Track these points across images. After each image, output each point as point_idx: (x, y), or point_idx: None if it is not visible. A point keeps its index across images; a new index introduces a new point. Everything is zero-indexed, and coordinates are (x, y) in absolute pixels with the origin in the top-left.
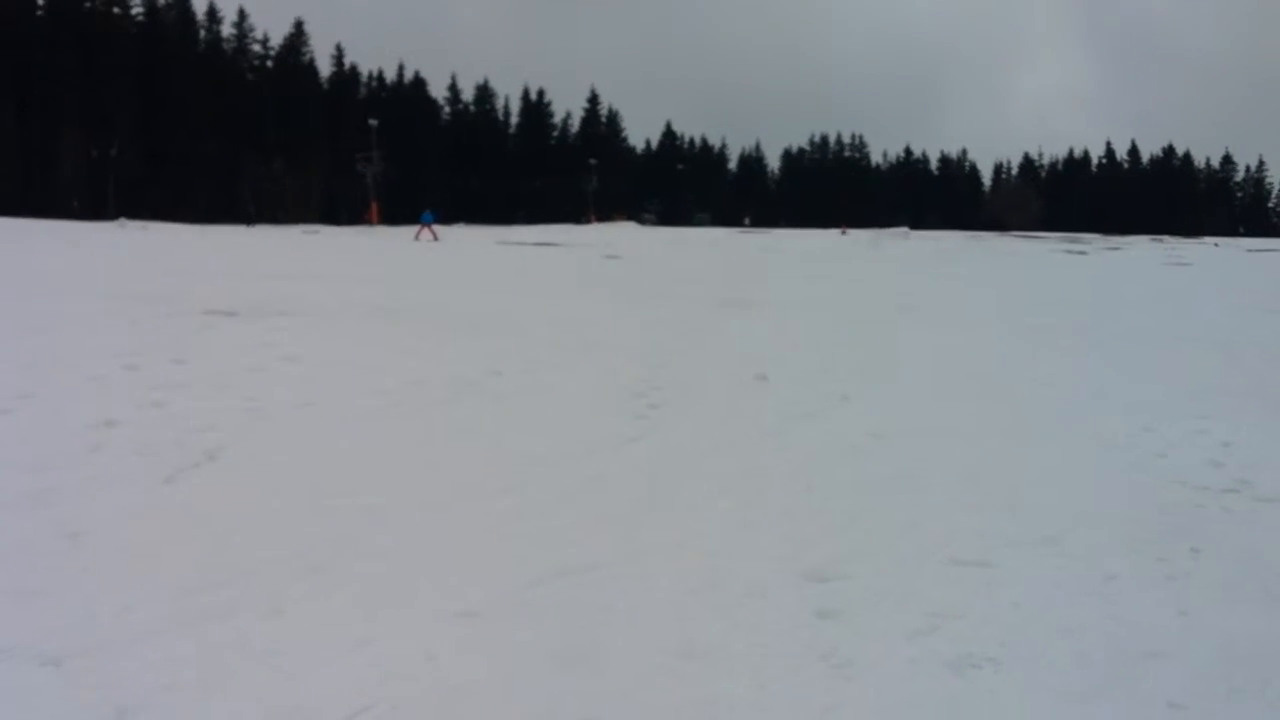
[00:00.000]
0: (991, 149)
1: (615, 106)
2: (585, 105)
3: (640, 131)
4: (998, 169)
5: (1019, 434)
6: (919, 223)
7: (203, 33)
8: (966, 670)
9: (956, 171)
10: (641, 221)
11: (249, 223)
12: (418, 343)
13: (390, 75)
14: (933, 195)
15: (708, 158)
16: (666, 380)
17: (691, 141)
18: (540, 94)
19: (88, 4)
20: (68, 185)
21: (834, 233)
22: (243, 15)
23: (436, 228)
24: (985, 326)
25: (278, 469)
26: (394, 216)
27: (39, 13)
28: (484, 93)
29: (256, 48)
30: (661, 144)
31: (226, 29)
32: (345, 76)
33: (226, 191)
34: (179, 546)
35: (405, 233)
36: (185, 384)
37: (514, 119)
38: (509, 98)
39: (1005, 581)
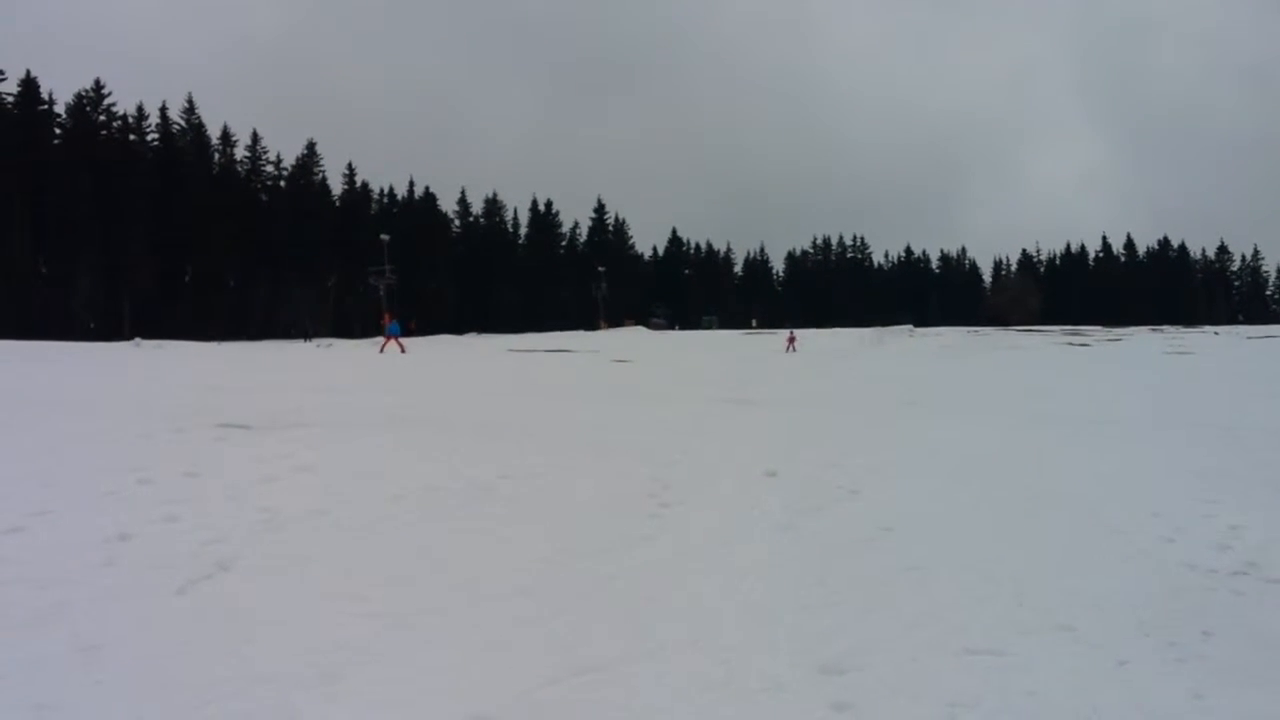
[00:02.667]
0: (990, 246)
1: (621, 215)
2: (592, 214)
3: (647, 238)
4: (997, 265)
5: (1028, 523)
6: (921, 320)
7: (216, 155)
8: None
9: (957, 269)
10: (651, 326)
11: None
12: (430, 450)
13: (401, 191)
14: (934, 292)
15: (713, 262)
16: (677, 479)
17: (697, 247)
18: (548, 204)
19: (104, 132)
20: (84, 307)
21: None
22: (256, 137)
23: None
24: (991, 418)
25: (290, 578)
26: (408, 330)
27: (56, 141)
28: (493, 205)
29: (270, 168)
30: (668, 250)
31: (240, 151)
32: (357, 194)
33: (240, 309)
34: (192, 657)
35: (420, 344)
36: (198, 497)
37: (523, 229)
38: (517, 209)
39: (1019, 669)
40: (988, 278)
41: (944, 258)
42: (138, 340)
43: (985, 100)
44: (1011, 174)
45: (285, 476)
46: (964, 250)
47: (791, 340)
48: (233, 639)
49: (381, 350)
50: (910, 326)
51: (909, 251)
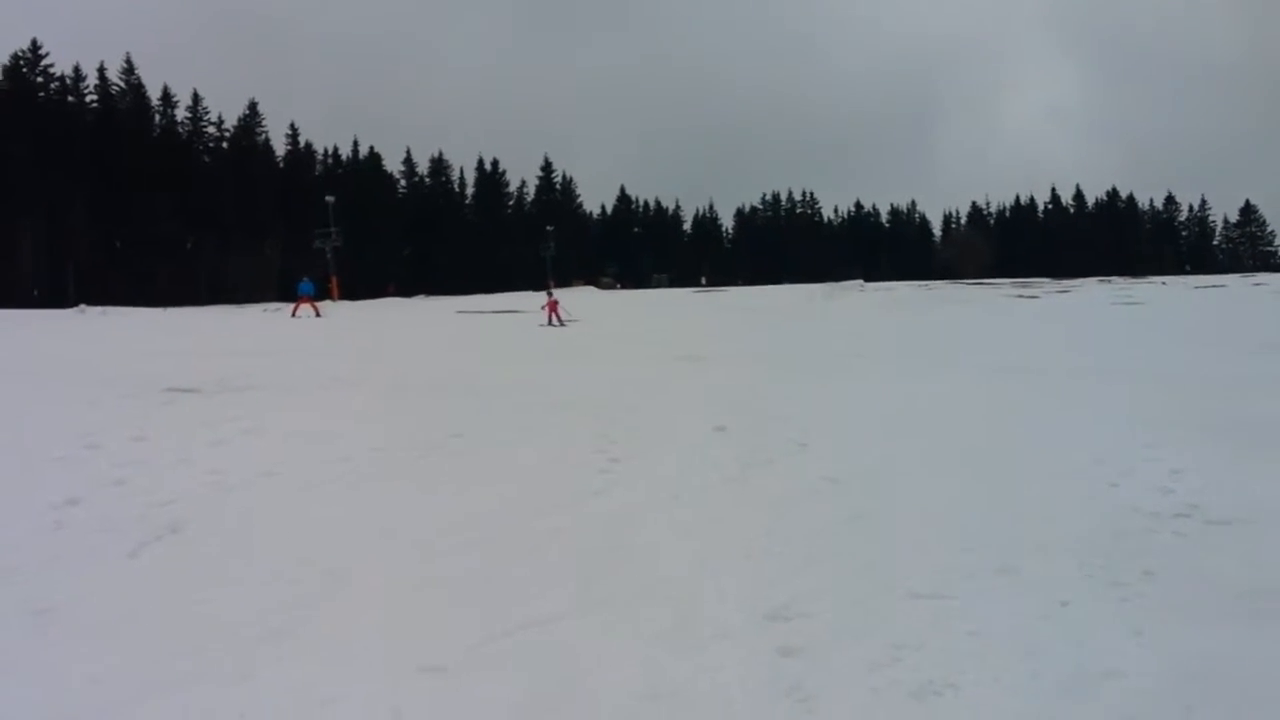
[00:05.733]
0: (940, 200)
1: (569, 173)
2: (539, 173)
3: (595, 197)
4: (947, 219)
5: (973, 472)
6: (872, 274)
7: (158, 117)
8: (928, 697)
9: (907, 223)
10: (601, 286)
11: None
12: (378, 410)
13: (346, 151)
14: (884, 247)
15: (663, 220)
16: (627, 435)
17: (646, 204)
18: (495, 163)
19: (41, 94)
20: (27, 275)
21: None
22: (197, 98)
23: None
24: (938, 371)
25: (241, 538)
26: (355, 292)
27: None
28: (439, 165)
29: (211, 129)
30: (617, 208)
31: (181, 113)
32: (300, 155)
33: (185, 274)
34: (145, 618)
35: (365, 307)
36: (147, 460)
37: (470, 189)
38: (464, 169)
39: (963, 613)
40: (938, 232)
41: (894, 212)
42: (82, 307)
43: (949, 36)
44: (971, 117)
45: (234, 439)
46: (914, 204)
47: (553, 309)
48: (185, 599)
49: (293, 313)
50: (861, 282)
51: (859, 206)
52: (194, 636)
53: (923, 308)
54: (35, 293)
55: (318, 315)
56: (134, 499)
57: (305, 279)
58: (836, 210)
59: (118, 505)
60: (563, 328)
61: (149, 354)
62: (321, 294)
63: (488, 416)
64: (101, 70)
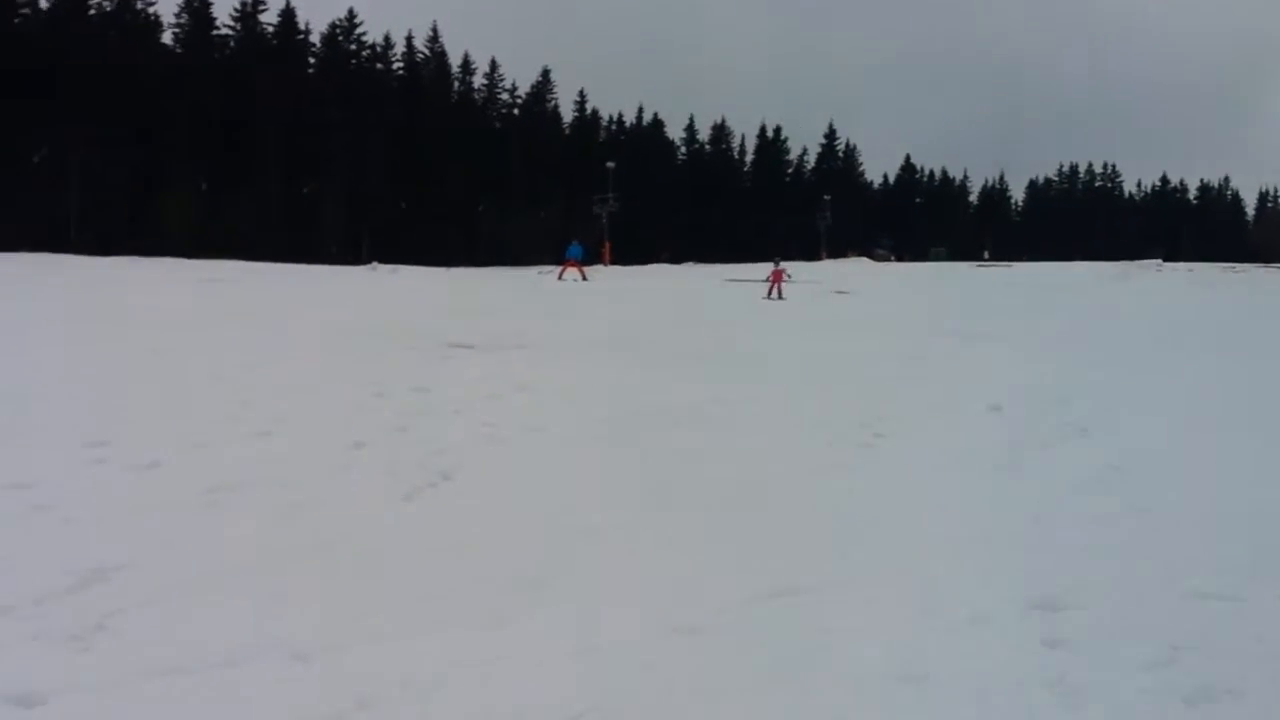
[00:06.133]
0: (1256, 175)
1: (853, 141)
2: (822, 141)
3: (877, 165)
4: (1263, 196)
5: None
6: (1173, 254)
7: (456, 84)
8: (1202, 703)
9: (1217, 200)
10: (874, 257)
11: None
12: (642, 373)
13: (630, 118)
14: (1189, 225)
15: (948, 191)
16: (893, 411)
17: (930, 174)
18: (777, 131)
19: (353, 61)
20: (328, 232)
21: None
22: (494, 65)
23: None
24: (1230, 357)
25: (507, 489)
26: (627, 257)
27: (310, 70)
28: (720, 132)
29: (505, 96)
30: (899, 177)
31: (478, 80)
32: (586, 121)
33: (468, 235)
34: (415, 558)
35: (634, 273)
36: (427, 410)
37: (749, 157)
38: (745, 136)
39: (1250, 615)
40: (1251, 211)
41: (1203, 187)
42: (374, 264)
43: None
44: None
45: (506, 394)
46: (1227, 180)
47: (777, 279)
48: (452, 543)
49: (559, 276)
50: (1159, 261)
51: (1164, 180)
52: (458, 579)
53: (1230, 290)
54: (333, 249)
55: (584, 279)
56: (413, 446)
57: (575, 242)
58: (1139, 184)
59: (399, 451)
60: (782, 300)
61: (432, 310)
62: (592, 258)
63: (750, 385)
64: (409, 39)
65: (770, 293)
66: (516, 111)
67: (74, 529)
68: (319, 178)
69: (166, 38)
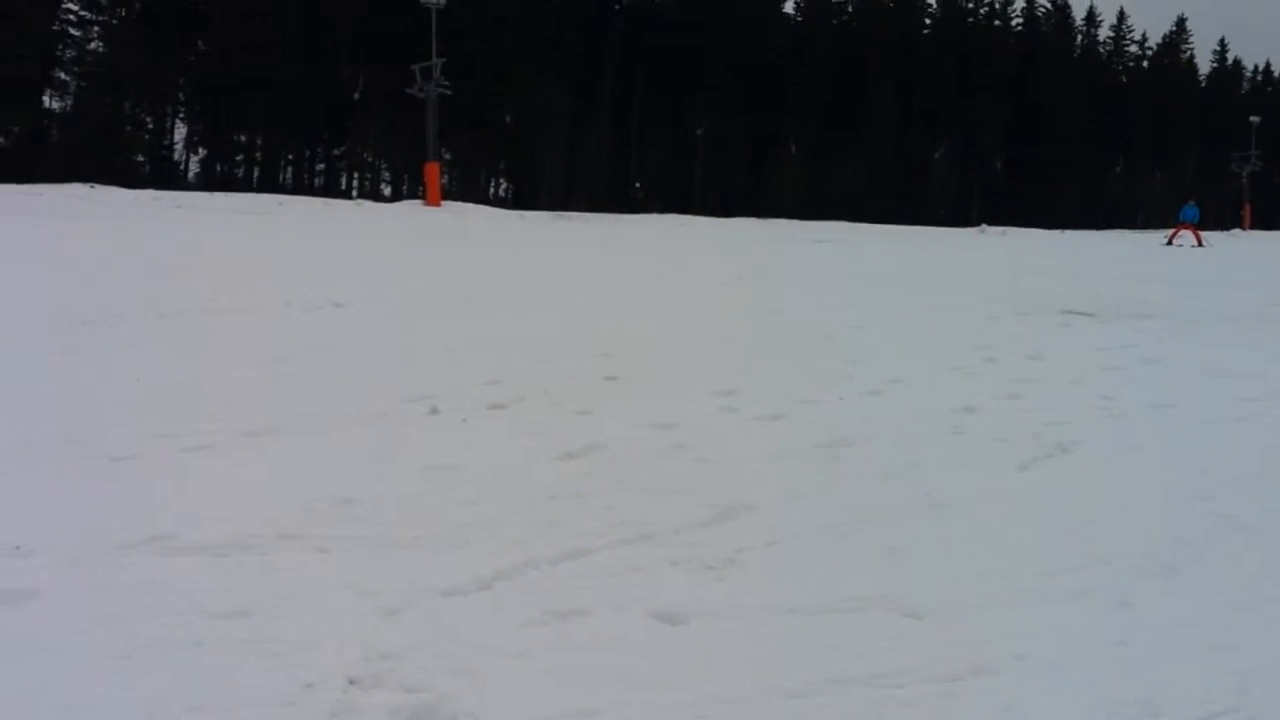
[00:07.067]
0: None
1: None
2: None
3: None
4: None
5: None
6: None
7: (1079, 37)
8: None
9: None
10: None
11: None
12: None
13: (1278, 68)
14: None
15: None
16: None
17: None
18: None
19: (970, 19)
20: (937, 194)
21: None
22: (1121, 16)
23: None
24: None
25: (1128, 467)
26: (1269, 221)
27: (925, 31)
28: None
29: (1133, 48)
30: None
31: (1104, 32)
32: (1225, 72)
33: (1086, 196)
34: (1032, 528)
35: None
36: (1041, 379)
37: None
38: None
39: None
40: None
41: None
42: (983, 226)
43: None
44: None
45: (1128, 367)
46: None
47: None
48: (1073, 518)
49: (1170, 241)
50: None
51: None
52: (1078, 555)
53: None
54: (941, 211)
55: (1198, 244)
56: (1026, 415)
57: (1190, 203)
58: None
59: (1011, 419)
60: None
61: (1049, 275)
62: (1207, 224)
63: None
64: None
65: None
66: (1145, 64)
67: (707, 468)
68: (931, 139)
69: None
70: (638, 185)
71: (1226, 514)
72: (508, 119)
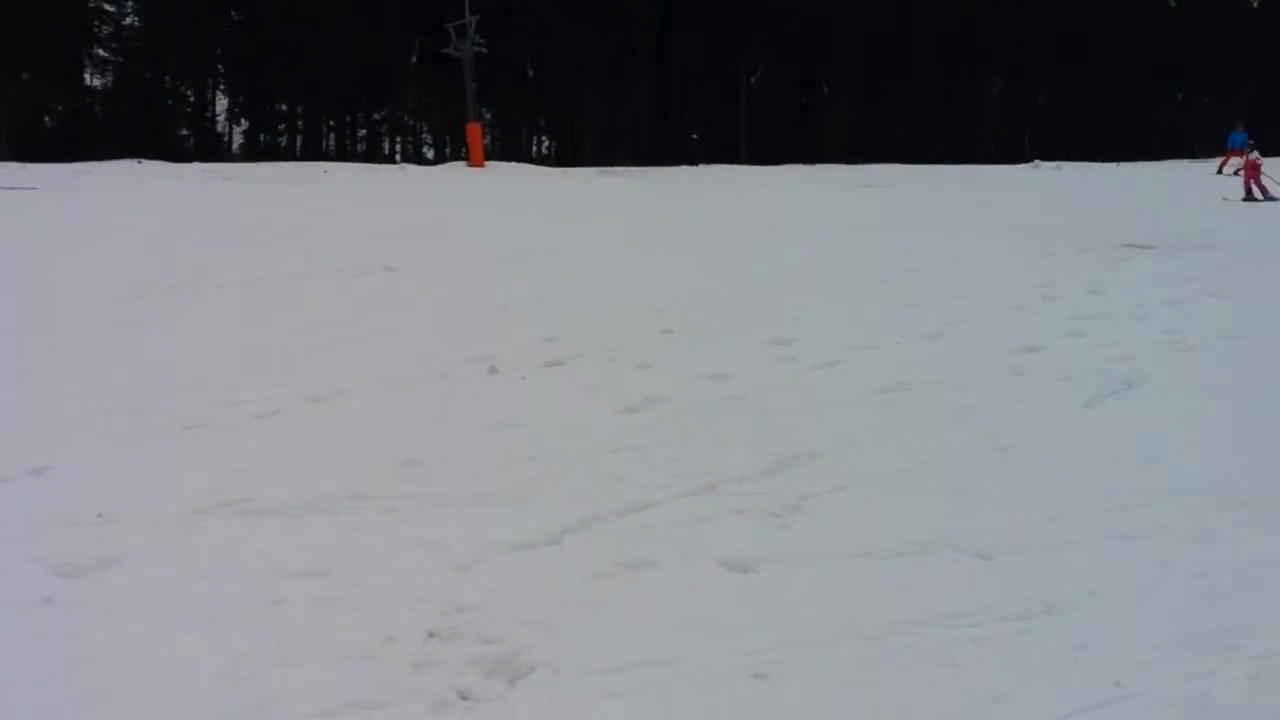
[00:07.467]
0: None
1: None
2: None
3: None
4: None
5: None
6: None
7: None
8: None
9: None
10: None
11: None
12: None
13: None
14: None
15: None
16: None
17: None
18: None
19: None
20: (986, 132)
21: None
22: None
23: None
24: None
25: (1198, 401)
26: None
27: None
28: None
29: None
30: None
31: None
32: None
33: (1139, 127)
34: (1100, 466)
35: None
36: (1103, 314)
37: None
38: None
39: None
40: None
41: None
42: (1036, 162)
43: None
44: None
45: (1191, 300)
46: None
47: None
48: (1142, 454)
49: (1219, 169)
50: None
51: None
52: (1149, 491)
53: None
54: (991, 148)
55: (1261, 194)
56: (1090, 351)
57: (1238, 129)
58: None
59: (1074, 356)
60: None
61: (1102, 210)
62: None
63: None
64: None
65: (1252, 191)
66: None
67: (768, 417)
68: (978, 76)
69: None
70: (695, 137)
71: None
72: (536, 73)
